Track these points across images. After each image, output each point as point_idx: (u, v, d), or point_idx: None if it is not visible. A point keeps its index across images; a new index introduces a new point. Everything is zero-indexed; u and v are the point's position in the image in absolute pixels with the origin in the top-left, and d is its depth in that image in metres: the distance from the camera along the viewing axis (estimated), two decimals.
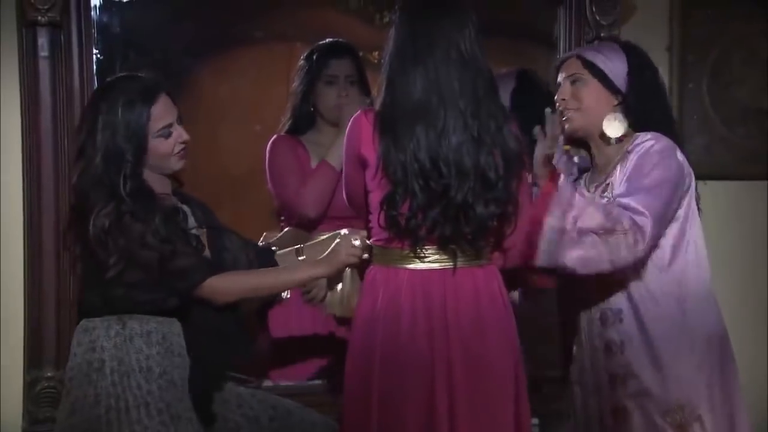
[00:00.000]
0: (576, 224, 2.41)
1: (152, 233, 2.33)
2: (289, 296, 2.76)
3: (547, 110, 2.54)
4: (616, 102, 2.57)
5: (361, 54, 3.32)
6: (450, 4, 2.40)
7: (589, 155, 2.66)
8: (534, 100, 3.19)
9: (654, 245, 2.47)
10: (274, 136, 3.20)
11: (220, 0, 3.40)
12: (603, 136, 2.58)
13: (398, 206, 2.33)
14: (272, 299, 2.73)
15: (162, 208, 2.38)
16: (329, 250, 2.51)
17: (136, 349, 2.39)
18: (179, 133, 2.47)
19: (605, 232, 2.41)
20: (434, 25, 2.35)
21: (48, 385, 2.91)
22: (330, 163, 3.04)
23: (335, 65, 3.13)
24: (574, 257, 2.42)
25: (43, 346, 2.94)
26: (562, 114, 2.60)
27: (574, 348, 2.66)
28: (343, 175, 2.52)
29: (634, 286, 2.53)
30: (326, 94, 3.13)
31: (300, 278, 2.54)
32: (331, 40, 3.24)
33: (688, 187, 2.53)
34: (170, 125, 2.45)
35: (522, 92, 3.21)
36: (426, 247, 2.38)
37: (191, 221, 2.52)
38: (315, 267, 2.52)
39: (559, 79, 2.62)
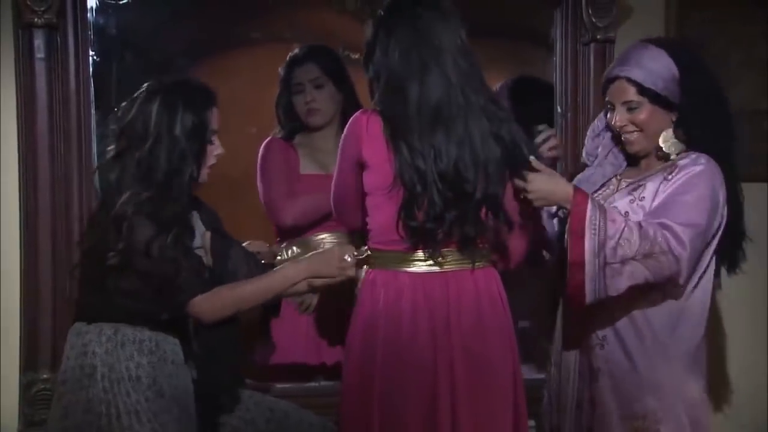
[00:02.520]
0: (616, 254, 2.38)
1: (158, 247, 2.33)
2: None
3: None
4: (674, 118, 2.54)
5: (357, 56, 3.34)
6: (445, 5, 2.40)
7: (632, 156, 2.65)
8: (532, 104, 3.22)
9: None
10: (268, 139, 3.28)
11: (217, 1, 3.40)
12: (660, 152, 2.55)
13: (416, 215, 2.33)
14: (276, 308, 2.70)
15: (181, 223, 2.38)
16: (318, 251, 2.50)
17: (126, 357, 2.39)
18: (217, 145, 2.49)
19: (644, 256, 2.39)
20: (438, 26, 2.36)
21: (44, 387, 2.90)
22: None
23: (298, 73, 3.24)
24: (622, 287, 2.41)
25: (39, 349, 2.94)
26: (620, 135, 2.57)
27: (557, 331, 2.67)
28: (337, 175, 2.49)
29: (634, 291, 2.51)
30: (297, 102, 3.25)
31: (285, 282, 2.47)
32: (300, 47, 3.30)
33: (720, 226, 2.52)
34: (215, 133, 2.48)
35: (520, 98, 3.23)
36: (426, 250, 2.39)
37: (199, 236, 2.51)
38: (300, 269, 2.47)
39: (611, 99, 2.57)
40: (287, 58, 3.28)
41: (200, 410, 2.46)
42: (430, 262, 2.40)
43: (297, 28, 3.58)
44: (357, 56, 3.35)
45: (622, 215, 2.46)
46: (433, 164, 2.32)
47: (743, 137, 3.46)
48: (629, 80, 2.52)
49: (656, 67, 2.50)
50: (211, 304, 2.40)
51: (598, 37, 3.19)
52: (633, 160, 2.64)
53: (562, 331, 2.65)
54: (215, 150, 2.49)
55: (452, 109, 2.33)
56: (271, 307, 2.62)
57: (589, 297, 2.41)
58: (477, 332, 2.39)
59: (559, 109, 3.24)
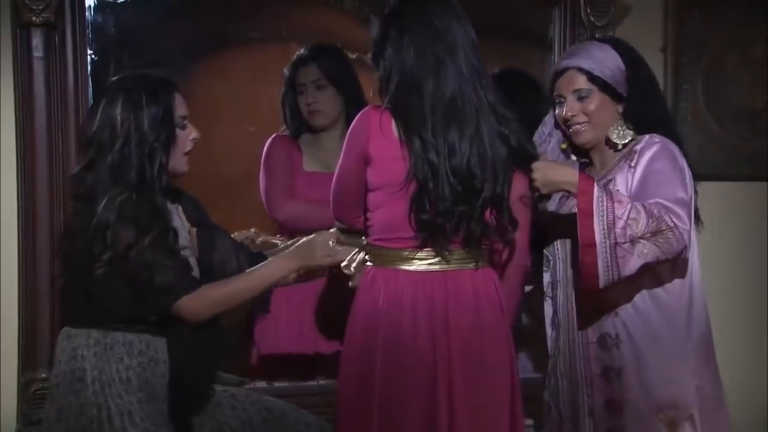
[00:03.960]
0: (626, 233, 2.40)
1: (136, 251, 2.30)
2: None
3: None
4: (621, 109, 2.58)
5: (355, 55, 3.34)
6: (454, 2, 2.41)
7: (585, 155, 2.67)
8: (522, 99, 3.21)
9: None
10: (273, 135, 3.29)
11: (215, 1, 3.40)
12: (609, 142, 2.59)
13: (427, 209, 2.34)
14: (261, 308, 2.70)
15: (161, 222, 2.36)
16: (299, 244, 2.48)
17: (116, 359, 2.38)
18: (191, 129, 2.48)
19: (653, 234, 2.41)
20: (452, 23, 2.37)
21: (42, 387, 2.88)
22: None
23: (301, 74, 3.25)
24: (634, 267, 2.42)
25: (38, 348, 2.94)
26: (568, 127, 2.61)
27: (559, 339, 2.67)
28: (339, 169, 2.49)
29: (633, 282, 2.52)
30: (300, 103, 3.26)
31: (270, 278, 2.46)
32: (306, 47, 3.30)
33: (692, 193, 2.54)
34: (185, 117, 2.46)
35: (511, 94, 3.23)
36: (427, 248, 2.39)
37: (183, 222, 2.49)
38: (285, 264, 2.46)
39: (561, 91, 2.61)
40: (294, 58, 3.28)
41: (172, 409, 2.42)
42: (430, 260, 2.40)
43: (295, 28, 3.58)
44: (355, 56, 3.35)
45: (626, 197, 2.48)
46: (446, 159, 2.33)
47: (738, 136, 3.49)
48: (579, 69, 2.57)
49: (604, 58, 2.57)
50: (196, 304, 2.38)
51: (597, 35, 3.19)
52: (585, 158, 2.66)
53: (568, 339, 2.64)
54: (189, 135, 2.47)
55: (465, 105, 2.35)
56: (260, 303, 2.62)
57: (602, 279, 2.42)
58: (475, 331, 2.39)
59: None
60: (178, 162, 2.46)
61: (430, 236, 2.37)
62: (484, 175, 2.36)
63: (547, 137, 2.69)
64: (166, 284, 2.34)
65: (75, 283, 2.42)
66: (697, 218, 2.61)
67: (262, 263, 2.51)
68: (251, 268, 2.50)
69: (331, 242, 2.46)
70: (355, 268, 2.48)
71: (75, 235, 2.39)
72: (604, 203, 2.41)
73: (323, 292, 3.12)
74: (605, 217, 2.40)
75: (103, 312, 2.37)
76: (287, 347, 3.20)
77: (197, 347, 2.43)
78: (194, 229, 2.54)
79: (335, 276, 2.66)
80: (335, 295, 2.84)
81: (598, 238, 2.40)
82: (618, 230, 2.40)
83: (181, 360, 2.42)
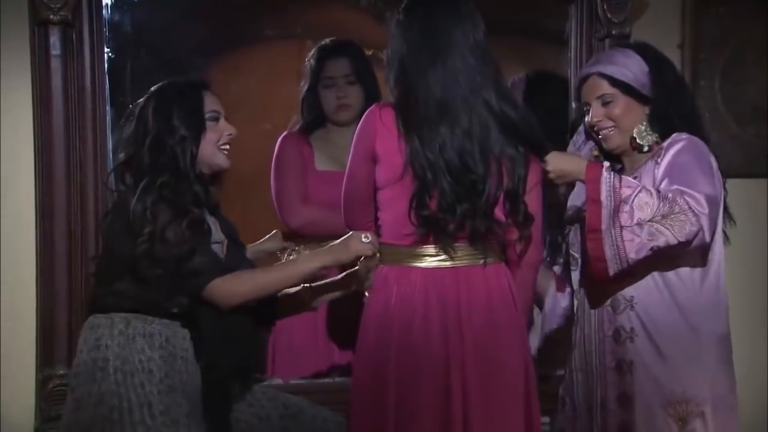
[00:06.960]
0: (633, 216, 2.40)
1: (173, 231, 2.37)
2: (317, 306, 2.73)
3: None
4: (647, 111, 2.58)
5: (371, 52, 3.34)
6: (460, 4, 2.42)
7: (618, 160, 2.67)
8: (547, 101, 3.22)
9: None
10: (284, 133, 3.29)
11: None
12: (635, 144, 2.59)
13: (428, 204, 2.35)
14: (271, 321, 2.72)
15: (196, 210, 2.43)
16: (337, 242, 2.51)
17: (138, 350, 2.41)
18: (226, 125, 2.54)
19: (664, 216, 2.40)
20: (450, 25, 2.37)
21: (60, 383, 2.91)
22: None
23: (331, 67, 3.24)
24: (643, 251, 2.41)
25: (55, 345, 2.96)
26: (597, 133, 2.61)
27: (576, 334, 2.67)
28: (348, 172, 2.50)
29: (650, 275, 2.52)
30: (326, 97, 3.24)
31: (304, 270, 2.50)
32: (330, 40, 3.31)
33: (720, 191, 2.53)
34: (218, 112, 2.53)
35: (535, 94, 3.24)
36: (438, 243, 2.39)
37: (217, 234, 2.54)
38: (319, 257, 2.50)
39: (586, 98, 2.62)
40: (316, 50, 3.28)
41: (208, 402, 2.44)
42: (441, 257, 2.40)
43: (310, 25, 3.59)
44: (371, 52, 3.35)
45: (637, 183, 2.48)
46: (440, 155, 2.33)
47: (756, 134, 3.48)
48: (601, 75, 2.58)
49: (626, 62, 2.58)
50: (230, 287, 2.42)
51: (614, 32, 3.20)
52: (619, 163, 2.65)
53: (584, 333, 2.64)
54: (225, 130, 2.55)
55: (457, 103, 2.35)
56: (266, 319, 2.65)
57: (611, 265, 2.42)
58: (488, 328, 2.39)
59: (573, 105, 3.23)
60: (216, 156, 2.53)
61: (431, 232, 2.37)
62: (487, 172, 2.36)
63: (581, 144, 2.70)
64: (201, 265, 2.40)
65: (107, 267, 2.47)
66: (728, 216, 2.60)
67: (299, 256, 2.57)
68: (287, 261, 2.57)
69: (363, 237, 2.47)
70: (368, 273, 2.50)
71: (114, 219, 2.47)
72: (611, 187, 2.42)
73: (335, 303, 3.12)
74: (612, 201, 2.41)
75: (130, 297, 2.42)
76: (303, 363, 3.20)
77: (231, 331, 2.46)
78: (226, 242, 2.58)
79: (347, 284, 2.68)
80: (347, 305, 2.85)
81: (604, 224, 2.41)
82: (624, 214, 2.40)
83: (215, 346, 2.45)
